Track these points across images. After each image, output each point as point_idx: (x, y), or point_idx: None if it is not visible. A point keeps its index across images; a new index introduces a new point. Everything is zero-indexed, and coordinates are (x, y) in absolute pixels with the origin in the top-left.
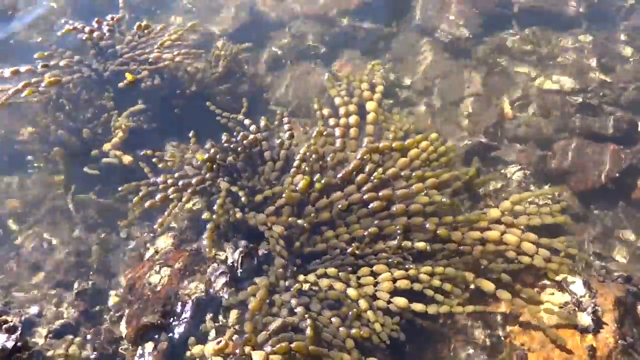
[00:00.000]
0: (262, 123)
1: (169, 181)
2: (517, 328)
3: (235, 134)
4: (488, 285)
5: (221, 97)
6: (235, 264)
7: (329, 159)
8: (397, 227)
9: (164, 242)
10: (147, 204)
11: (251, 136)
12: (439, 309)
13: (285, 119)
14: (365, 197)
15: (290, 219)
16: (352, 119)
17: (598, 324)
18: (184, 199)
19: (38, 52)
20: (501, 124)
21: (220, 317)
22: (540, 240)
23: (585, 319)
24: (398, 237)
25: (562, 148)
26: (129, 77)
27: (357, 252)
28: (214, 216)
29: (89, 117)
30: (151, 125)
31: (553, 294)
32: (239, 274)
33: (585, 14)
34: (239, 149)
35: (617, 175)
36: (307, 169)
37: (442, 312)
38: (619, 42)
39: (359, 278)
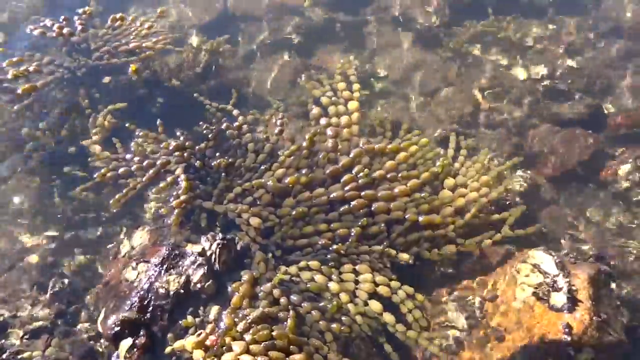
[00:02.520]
0: (250, 116)
1: (136, 158)
2: (493, 310)
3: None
4: None
5: (202, 91)
6: (213, 256)
7: (320, 156)
8: (381, 229)
9: (140, 237)
10: (108, 176)
11: (236, 124)
12: (407, 333)
13: (280, 115)
14: (347, 195)
15: (265, 210)
16: (344, 120)
17: (573, 302)
18: (144, 178)
19: (7, 60)
20: (475, 112)
21: (200, 312)
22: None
23: (560, 298)
24: (383, 244)
25: (533, 134)
26: (133, 67)
27: (342, 251)
28: (175, 202)
29: (63, 117)
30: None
31: (528, 275)
32: (217, 267)
33: (556, 2)
34: (210, 136)
35: (586, 158)
36: (295, 163)
37: (408, 337)
38: (588, 29)
39: (340, 273)
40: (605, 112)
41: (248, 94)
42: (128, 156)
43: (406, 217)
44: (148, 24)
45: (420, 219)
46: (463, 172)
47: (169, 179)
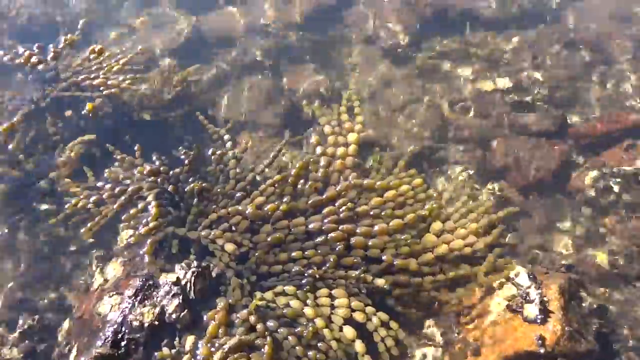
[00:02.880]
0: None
1: (107, 186)
2: (469, 325)
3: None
4: None
5: (173, 119)
6: (188, 285)
7: (307, 186)
8: (355, 260)
9: (113, 269)
10: (80, 205)
11: (218, 152)
12: None
13: (278, 147)
14: (324, 227)
15: (239, 236)
16: (340, 151)
17: (545, 313)
18: (115, 205)
19: None
20: (445, 126)
21: (176, 342)
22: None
23: (533, 310)
24: (359, 270)
25: (501, 146)
26: (89, 106)
27: (317, 275)
28: (144, 229)
29: (30, 149)
30: (101, 153)
31: (502, 288)
32: (193, 296)
33: (518, 16)
34: (186, 161)
35: (554, 168)
36: (279, 190)
37: None
38: (552, 41)
39: (316, 298)
40: (570, 122)
41: (220, 117)
42: (100, 184)
43: (382, 257)
44: (123, 60)
45: (396, 262)
46: (454, 218)
47: (139, 205)
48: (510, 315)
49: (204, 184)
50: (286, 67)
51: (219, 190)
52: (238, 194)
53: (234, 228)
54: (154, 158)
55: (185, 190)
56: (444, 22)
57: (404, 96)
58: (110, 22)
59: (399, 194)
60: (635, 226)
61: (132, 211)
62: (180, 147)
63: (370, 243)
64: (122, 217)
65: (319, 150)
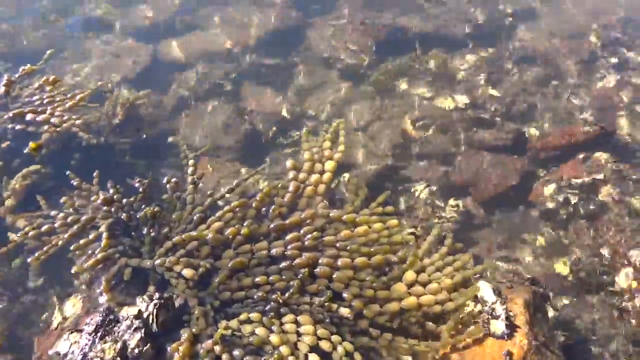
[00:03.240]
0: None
1: (60, 215)
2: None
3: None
4: None
5: (123, 146)
6: (151, 317)
7: (271, 210)
8: (319, 288)
9: (73, 305)
10: (31, 235)
11: (173, 180)
12: None
13: (192, 162)
14: (287, 253)
15: (196, 260)
16: (313, 178)
17: (512, 328)
18: (66, 235)
19: None
20: (406, 144)
21: None
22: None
23: (499, 326)
24: (324, 297)
25: (461, 162)
26: (32, 145)
27: (280, 300)
28: (91, 261)
29: None
30: (48, 183)
31: (468, 305)
32: (155, 328)
33: (473, 34)
34: (141, 189)
35: (513, 182)
36: (238, 215)
37: None
38: (504, 58)
39: (282, 324)
40: (527, 136)
41: (179, 143)
42: (53, 213)
43: (344, 295)
44: (79, 96)
45: (354, 303)
46: (429, 270)
47: (91, 236)
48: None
49: (156, 208)
50: (246, 91)
51: (174, 217)
52: (196, 217)
53: (195, 253)
54: (109, 186)
55: (138, 217)
56: (400, 42)
57: (365, 116)
58: (69, 50)
59: (372, 230)
60: (594, 236)
61: (82, 241)
62: (135, 176)
63: (334, 276)
64: (71, 247)
65: (291, 175)
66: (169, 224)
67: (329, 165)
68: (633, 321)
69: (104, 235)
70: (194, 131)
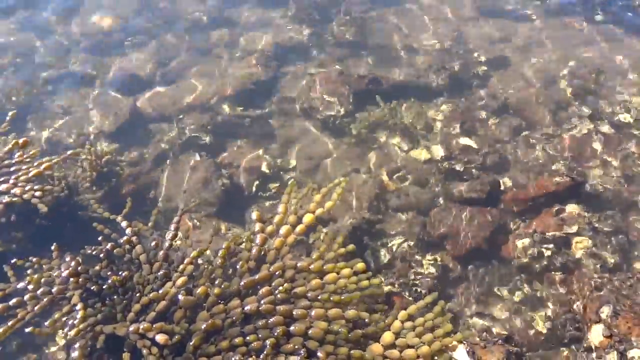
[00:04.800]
0: (136, 227)
1: (30, 287)
2: None
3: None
4: None
5: (96, 202)
6: None
7: (238, 266)
8: (295, 347)
9: None
10: None
11: (124, 239)
12: None
13: (176, 218)
14: (261, 308)
15: (169, 325)
16: (283, 229)
17: None
18: (36, 308)
19: None
20: (383, 196)
21: None
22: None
23: None
24: (300, 356)
25: (437, 215)
26: None
27: None
28: (73, 332)
29: None
30: (11, 245)
31: None
32: None
33: (446, 84)
34: (101, 256)
35: (487, 235)
36: (207, 273)
37: None
38: (478, 107)
39: None
40: (502, 187)
41: (158, 199)
42: (21, 285)
43: (318, 354)
44: (45, 165)
45: None
46: (409, 336)
47: (64, 308)
48: None
49: (123, 274)
50: (224, 144)
51: (137, 277)
52: (159, 274)
53: (168, 317)
54: (68, 259)
55: (104, 287)
56: (378, 92)
57: (343, 168)
58: (46, 104)
59: (339, 277)
60: (567, 291)
61: (56, 315)
62: (86, 246)
63: (310, 332)
64: (46, 323)
65: (257, 227)
66: (139, 287)
67: (307, 218)
68: None
69: (79, 306)
70: (172, 188)
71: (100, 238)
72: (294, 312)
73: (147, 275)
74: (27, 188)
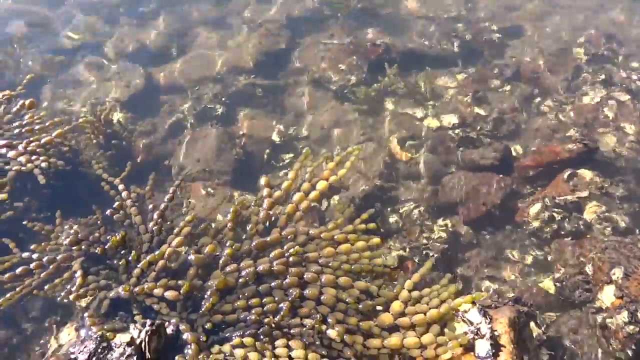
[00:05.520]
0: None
1: (34, 255)
2: None
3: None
4: None
5: (105, 169)
6: (143, 344)
7: (248, 228)
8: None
9: (68, 334)
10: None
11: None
12: None
13: (176, 182)
14: (274, 268)
15: (172, 281)
16: (296, 197)
17: (496, 347)
18: (42, 275)
19: None
20: (395, 164)
21: None
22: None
23: (484, 345)
24: (315, 320)
25: (449, 182)
26: None
27: (273, 324)
28: (72, 296)
29: None
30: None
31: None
32: (148, 355)
33: (459, 53)
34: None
35: (500, 201)
36: (211, 232)
37: None
38: (490, 75)
39: (274, 348)
40: (514, 154)
41: (171, 168)
42: (25, 255)
43: (328, 319)
44: (56, 132)
45: (337, 328)
46: (417, 303)
47: (65, 275)
48: (463, 352)
49: (121, 234)
50: (239, 114)
51: (138, 239)
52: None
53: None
54: (67, 227)
55: (106, 248)
56: (390, 61)
57: (355, 136)
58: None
59: (353, 249)
60: (578, 254)
61: (56, 281)
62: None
63: (322, 298)
64: (45, 288)
65: (265, 192)
66: (138, 247)
67: (321, 185)
68: (615, 338)
69: (79, 273)
70: (188, 155)
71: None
72: (305, 275)
73: (143, 235)
74: (33, 157)
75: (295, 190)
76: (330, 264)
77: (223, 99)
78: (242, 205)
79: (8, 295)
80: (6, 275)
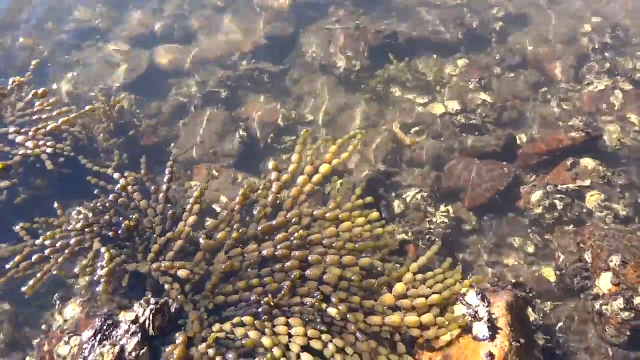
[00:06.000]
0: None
1: (47, 242)
2: (422, 345)
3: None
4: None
5: (113, 153)
6: (147, 322)
7: (255, 212)
8: (310, 289)
9: (73, 309)
10: (22, 266)
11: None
12: None
13: (170, 162)
14: (278, 253)
15: (194, 267)
16: (300, 179)
17: (494, 330)
18: (60, 258)
19: None
20: (398, 150)
21: None
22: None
23: (482, 328)
24: (315, 297)
25: (452, 168)
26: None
27: (272, 303)
28: (104, 271)
29: None
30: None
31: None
32: (152, 332)
33: (463, 40)
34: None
35: (503, 188)
36: (226, 218)
37: None
38: (496, 63)
39: (274, 326)
40: (518, 141)
41: (180, 147)
42: (38, 242)
43: (332, 298)
44: (62, 119)
45: (340, 307)
46: (420, 286)
47: (89, 254)
48: (461, 334)
49: (132, 219)
50: (242, 98)
51: (147, 221)
52: (165, 218)
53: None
54: (74, 213)
55: (119, 231)
56: (394, 47)
57: (359, 121)
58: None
59: (353, 225)
60: (578, 241)
61: (84, 262)
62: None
63: (324, 278)
64: (76, 271)
65: (273, 175)
66: (149, 229)
67: (324, 168)
68: (610, 324)
69: (104, 249)
70: (191, 138)
71: (96, 191)
72: (309, 258)
73: (152, 218)
74: (40, 143)
75: (299, 173)
76: (334, 244)
77: (227, 83)
78: (251, 188)
79: (31, 283)
80: (22, 265)
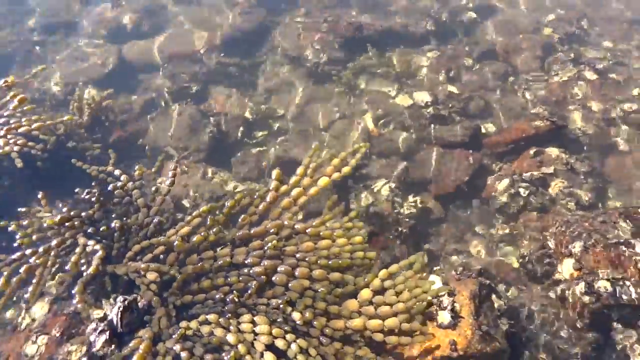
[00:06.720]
0: (136, 172)
1: (28, 251)
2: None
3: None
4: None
5: (90, 149)
6: (116, 320)
7: (240, 219)
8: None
9: (40, 308)
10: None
11: (119, 183)
12: None
13: (173, 165)
14: (248, 261)
15: (164, 267)
16: (295, 191)
17: (456, 319)
18: (48, 264)
19: None
20: (368, 141)
21: None
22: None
23: (445, 316)
24: (282, 300)
25: (421, 158)
26: None
27: (236, 300)
28: (92, 268)
29: None
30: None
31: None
32: (120, 330)
33: (433, 32)
34: (94, 199)
35: (468, 178)
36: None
37: None
38: (463, 55)
39: (239, 323)
40: (484, 131)
41: (147, 145)
42: (15, 255)
43: (297, 304)
44: (35, 125)
45: (306, 314)
46: (388, 293)
47: (77, 250)
48: (427, 322)
49: (124, 219)
50: (212, 92)
51: (135, 220)
52: (155, 220)
53: (161, 258)
54: (60, 205)
55: (100, 230)
56: (364, 39)
57: (329, 114)
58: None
59: (335, 245)
60: (544, 227)
61: (73, 258)
62: (78, 189)
63: (290, 285)
64: (66, 267)
65: (273, 185)
66: (133, 228)
67: (323, 181)
68: (572, 309)
69: (99, 246)
70: (161, 134)
71: (93, 184)
72: (279, 268)
73: (144, 219)
74: (11, 141)
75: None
76: (307, 259)
77: (198, 77)
78: (250, 194)
79: (30, 291)
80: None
